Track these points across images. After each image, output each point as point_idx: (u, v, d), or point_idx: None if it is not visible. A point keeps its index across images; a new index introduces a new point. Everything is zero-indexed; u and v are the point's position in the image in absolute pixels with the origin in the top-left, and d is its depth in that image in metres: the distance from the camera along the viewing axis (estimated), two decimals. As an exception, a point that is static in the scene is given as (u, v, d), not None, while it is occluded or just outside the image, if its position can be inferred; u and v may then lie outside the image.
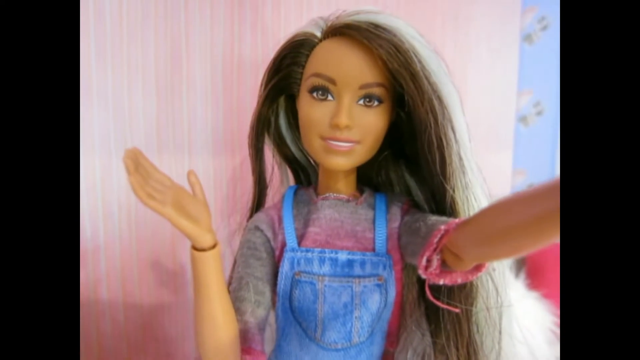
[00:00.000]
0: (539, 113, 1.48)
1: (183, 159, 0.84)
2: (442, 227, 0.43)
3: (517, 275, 1.02)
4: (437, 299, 0.50)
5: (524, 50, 1.50)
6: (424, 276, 0.44)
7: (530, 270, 1.05)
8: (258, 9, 0.90)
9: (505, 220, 0.35)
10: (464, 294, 0.49)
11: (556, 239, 0.31)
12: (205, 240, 0.45)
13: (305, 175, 0.68)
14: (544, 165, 1.47)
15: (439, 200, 0.51)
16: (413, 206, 0.58)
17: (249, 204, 0.65)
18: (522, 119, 1.52)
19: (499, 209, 0.37)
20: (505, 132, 1.54)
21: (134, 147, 0.43)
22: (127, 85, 0.77)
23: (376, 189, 0.63)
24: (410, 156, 0.58)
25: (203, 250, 0.46)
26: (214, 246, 0.46)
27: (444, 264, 0.44)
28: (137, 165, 0.42)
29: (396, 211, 0.56)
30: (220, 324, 0.47)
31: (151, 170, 0.43)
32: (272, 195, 0.67)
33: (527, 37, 1.49)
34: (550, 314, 0.81)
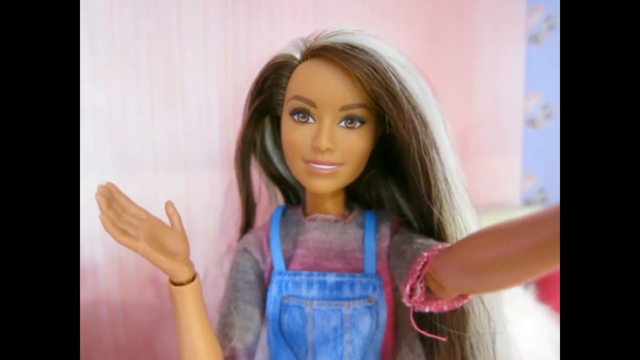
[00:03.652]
0: (547, 116, 1.42)
1: (179, 175, 0.84)
2: (425, 254, 0.42)
3: (526, 286, 0.98)
4: (429, 322, 0.48)
5: (530, 51, 1.46)
6: (408, 304, 0.43)
7: (540, 281, 1.02)
8: (252, 21, 0.89)
9: (489, 252, 0.33)
10: (455, 318, 0.47)
11: (555, 268, 0.29)
12: (183, 274, 0.45)
13: (294, 193, 0.67)
14: (555, 168, 1.42)
15: (427, 221, 0.49)
16: (403, 224, 0.56)
17: (238, 225, 0.64)
18: (531, 122, 1.47)
19: (480, 240, 0.35)
20: (513, 136, 1.50)
21: (108, 183, 0.44)
22: (121, 103, 0.77)
23: (366, 205, 0.61)
24: (399, 174, 0.56)
25: (181, 284, 0.46)
26: (192, 279, 0.46)
27: (429, 291, 0.42)
28: (110, 201, 0.43)
29: (385, 230, 0.55)
30: (202, 357, 0.47)
31: (126, 204, 0.44)
32: (263, 214, 0.66)
33: (533, 38, 1.44)
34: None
